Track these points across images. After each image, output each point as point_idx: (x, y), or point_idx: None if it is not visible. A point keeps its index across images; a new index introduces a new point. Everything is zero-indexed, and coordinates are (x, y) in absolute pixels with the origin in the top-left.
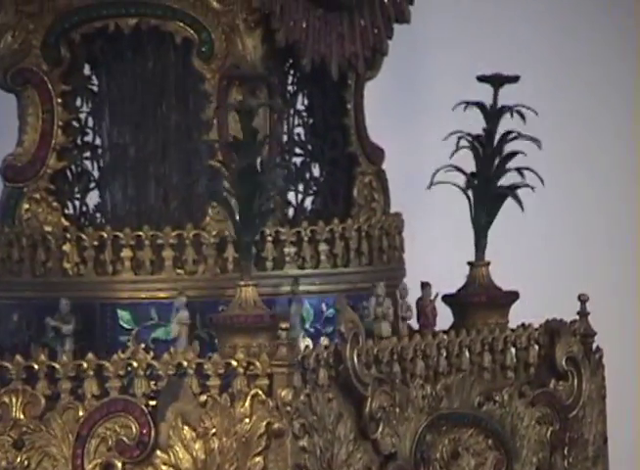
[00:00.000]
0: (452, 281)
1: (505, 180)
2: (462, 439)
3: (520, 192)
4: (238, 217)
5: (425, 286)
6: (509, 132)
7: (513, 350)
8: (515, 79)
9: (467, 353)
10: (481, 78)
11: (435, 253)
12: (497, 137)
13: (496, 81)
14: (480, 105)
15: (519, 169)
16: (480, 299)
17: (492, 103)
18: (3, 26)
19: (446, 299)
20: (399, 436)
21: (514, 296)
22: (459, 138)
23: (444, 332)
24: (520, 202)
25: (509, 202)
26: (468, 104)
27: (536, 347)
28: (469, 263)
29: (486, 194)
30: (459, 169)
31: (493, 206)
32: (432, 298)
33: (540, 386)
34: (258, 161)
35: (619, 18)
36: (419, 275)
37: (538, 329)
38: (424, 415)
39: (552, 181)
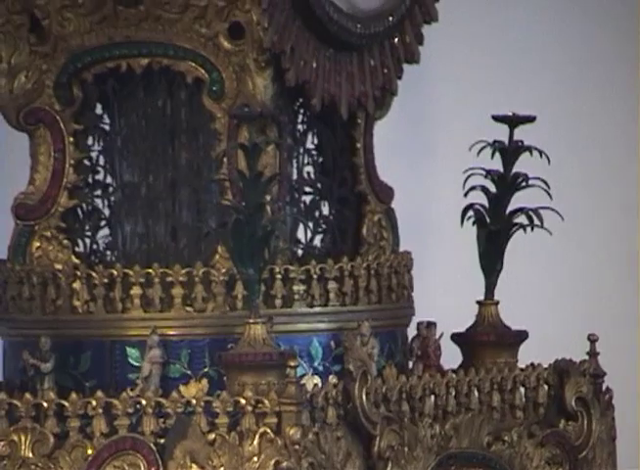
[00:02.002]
0: (457, 320)
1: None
2: None
3: (529, 231)
4: (246, 255)
5: (429, 325)
6: (520, 174)
7: (522, 389)
8: (531, 119)
9: (476, 393)
10: (497, 118)
11: (442, 291)
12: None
13: (512, 121)
14: (497, 145)
15: (536, 210)
16: (490, 338)
17: (508, 143)
18: (17, 66)
19: (455, 337)
20: None
21: (523, 335)
22: (469, 176)
23: (453, 371)
24: (543, 227)
25: (517, 241)
26: (487, 144)
27: (546, 386)
28: (478, 302)
29: (497, 232)
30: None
31: (503, 243)
32: (436, 337)
33: (550, 426)
34: (267, 198)
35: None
36: (423, 314)
37: (547, 369)
38: (433, 455)
39: (563, 221)
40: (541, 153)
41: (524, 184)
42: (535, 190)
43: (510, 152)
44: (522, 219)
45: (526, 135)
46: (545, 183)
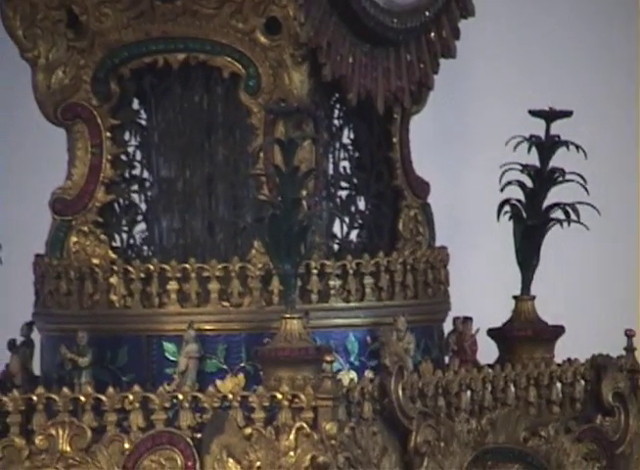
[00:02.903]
0: (494, 315)
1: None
2: None
3: (565, 226)
4: (282, 250)
5: (465, 321)
6: (557, 169)
7: (559, 385)
8: (568, 114)
9: (512, 388)
10: (534, 113)
11: (478, 287)
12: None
13: (549, 116)
14: (534, 139)
15: (573, 205)
16: (526, 333)
17: (545, 137)
18: (55, 62)
19: (491, 333)
20: None
21: (560, 330)
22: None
23: (489, 366)
24: (580, 222)
25: (554, 236)
26: (523, 139)
27: (582, 382)
28: (514, 297)
29: (533, 227)
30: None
31: (539, 238)
32: (472, 332)
33: (587, 421)
34: (303, 193)
35: None
36: (459, 309)
37: (584, 364)
38: (469, 450)
39: (600, 214)
40: (578, 147)
41: (560, 179)
42: (571, 185)
43: (547, 147)
44: (558, 214)
45: (560, 130)
46: (582, 178)
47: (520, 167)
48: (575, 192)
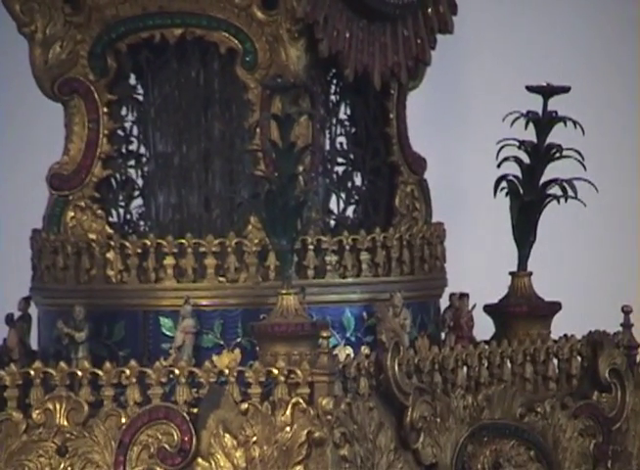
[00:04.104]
0: (490, 291)
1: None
2: (503, 450)
3: (563, 202)
4: (278, 226)
5: (462, 297)
6: (554, 145)
7: (555, 361)
8: (565, 90)
9: (509, 364)
10: (531, 89)
11: (474, 263)
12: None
13: (546, 92)
14: (531, 115)
15: (570, 181)
16: (522, 309)
17: (542, 113)
18: (52, 37)
19: (488, 309)
20: (440, 446)
21: (556, 306)
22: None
23: (486, 342)
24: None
25: (550, 212)
26: (520, 115)
27: (579, 358)
28: (510, 273)
29: (530, 203)
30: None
31: (536, 215)
32: (469, 308)
33: (583, 398)
34: (300, 169)
35: None
36: (456, 285)
37: (581, 340)
38: (465, 426)
39: (597, 190)
40: (575, 123)
41: (557, 155)
42: (569, 161)
43: (544, 123)
44: (555, 190)
45: (559, 106)
46: (579, 154)
47: (517, 143)
48: (574, 168)
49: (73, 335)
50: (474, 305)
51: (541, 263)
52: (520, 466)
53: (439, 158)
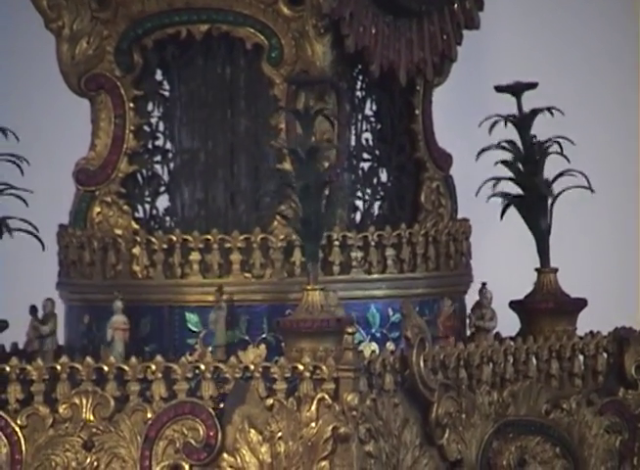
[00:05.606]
0: (515, 288)
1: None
2: (529, 446)
3: (592, 198)
4: (305, 222)
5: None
6: (547, 140)
7: (581, 357)
8: (533, 86)
9: (534, 360)
10: (500, 89)
11: (500, 259)
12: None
13: (517, 90)
14: (507, 117)
15: (570, 170)
16: (548, 305)
17: (518, 111)
18: (78, 33)
19: (513, 305)
20: (465, 442)
21: (582, 303)
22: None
23: (511, 338)
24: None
25: (575, 210)
26: (499, 117)
27: (605, 355)
28: (536, 270)
29: (533, 200)
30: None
31: (544, 210)
32: (448, 309)
33: (609, 394)
34: (325, 165)
35: None
36: (480, 281)
37: (607, 337)
38: (490, 422)
39: (620, 187)
40: (550, 110)
41: (549, 151)
42: (575, 155)
43: (521, 119)
44: (562, 184)
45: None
46: (569, 141)
47: (494, 146)
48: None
49: (38, 327)
50: (452, 305)
51: (568, 260)
52: (545, 463)
53: (465, 154)
